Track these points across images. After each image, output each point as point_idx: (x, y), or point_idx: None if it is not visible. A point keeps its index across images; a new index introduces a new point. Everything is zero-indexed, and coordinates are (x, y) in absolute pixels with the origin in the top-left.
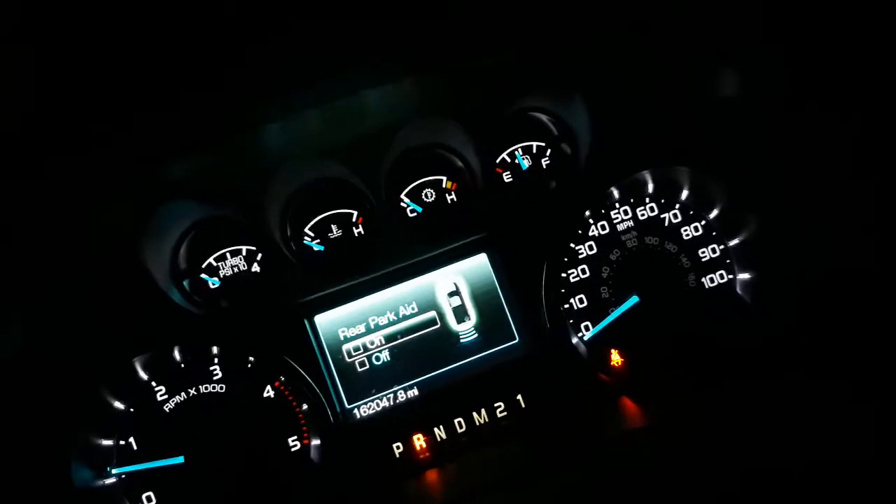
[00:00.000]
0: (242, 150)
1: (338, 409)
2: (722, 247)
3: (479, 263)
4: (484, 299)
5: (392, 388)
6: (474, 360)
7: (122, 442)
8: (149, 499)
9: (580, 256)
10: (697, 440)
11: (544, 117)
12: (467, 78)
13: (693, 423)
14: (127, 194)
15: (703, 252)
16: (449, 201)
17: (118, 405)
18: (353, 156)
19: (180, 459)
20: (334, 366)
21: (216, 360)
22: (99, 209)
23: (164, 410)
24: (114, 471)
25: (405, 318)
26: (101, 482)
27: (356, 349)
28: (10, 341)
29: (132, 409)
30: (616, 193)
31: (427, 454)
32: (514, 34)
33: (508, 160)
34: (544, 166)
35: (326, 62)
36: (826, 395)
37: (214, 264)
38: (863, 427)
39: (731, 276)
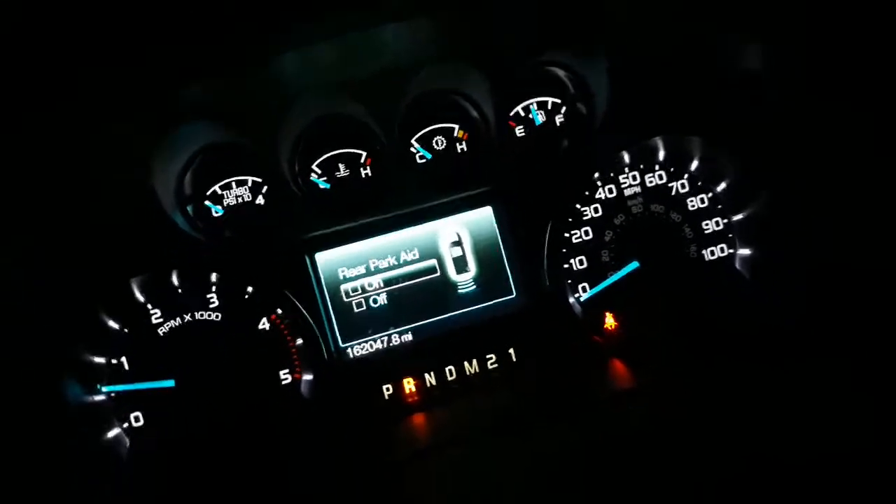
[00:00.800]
0: (259, 78)
1: (332, 347)
2: (726, 220)
3: (483, 216)
4: (485, 252)
5: (387, 330)
6: (470, 310)
7: (113, 361)
8: (136, 419)
9: (584, 218)
10: (682, 406)
11: (562, 73)
12: (489, 23)
13: (679, 389)
14: (143, 114)
15: (707, 224)
16: (459, 150)
17: (113, 324)
18: (369, 93)
19: (171, 383)
20: (331, 304)
21: (214, 289)
22: (113, 126)
23: (158, 333)
24: (104, 389)
25: (405, 263)
26: (90, 399)
27: (354, 290)
28: (10, 255)
29: (126, 330)
30: (626, 158)
31: (416, 398)
32: None
33: (522, 114)
34: (558, 124)
35: None
36: (817, 371)
37: (219, 192)
38: (851, 408)
39: (731, 251)
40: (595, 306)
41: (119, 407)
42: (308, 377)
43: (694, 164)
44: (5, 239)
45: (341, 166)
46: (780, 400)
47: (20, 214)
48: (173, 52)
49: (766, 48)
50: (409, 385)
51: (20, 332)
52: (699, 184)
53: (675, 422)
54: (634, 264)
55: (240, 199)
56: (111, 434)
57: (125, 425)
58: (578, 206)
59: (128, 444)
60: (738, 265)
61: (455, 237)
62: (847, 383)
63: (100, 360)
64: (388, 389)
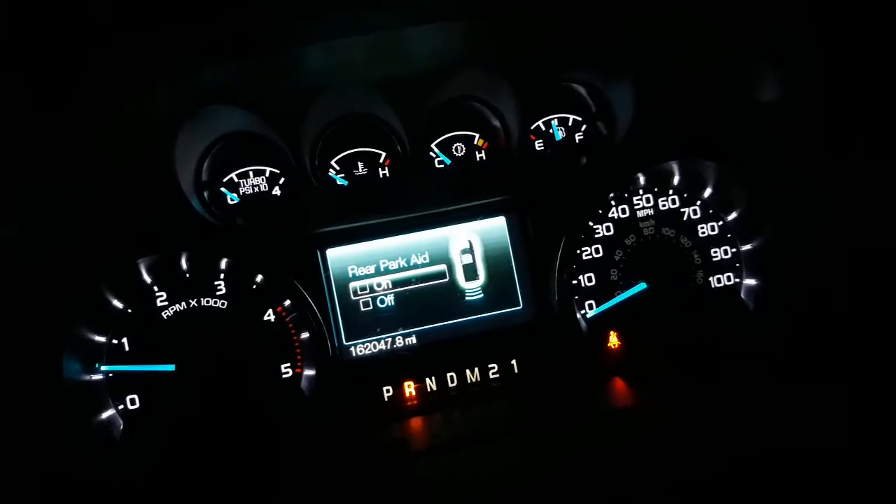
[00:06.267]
0: (288, 68)
1: (335, 344)
2: (734, 250)
3: (496, 225)
4: (495, 261)
5: (391, 332)
6: (476, 319)
7: (114, 341)
8: (132, 401)
9: (596, 236)
10: (678, 426)
11: (584, 92)
12: (520, 36)
13: (677, 410)
14: (168, 87)
15: (716, 252)
16: (478, 159)
17: (117, 304)
18: (395, 95)
19: (171, 367)
20: (338, 301)
21: (222, 276)
22: (137, 102)
23: (162, 317)
24: (102, 368)
25: (415, 266)
26: (87, 377)
27: (362, 289)
28: (20, 224)
29: (130, 310)
30: (642, 180)
31: (415, 402)
32: None
33: (543, 129)
34: (577, 141)
35: None
36: (812, 395)
37: (236, 180)
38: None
39: (737, 280)
40: (600, 324)
41: (115, 388)
42: (309, 372)
43: (707, 192)
44: (15, 206)
45: (360, 164)
46: (774, 423)
47: (32, 183)
48: (199, 28)
49: (786, 80)
50: (409, 388)
51: (23, 302)
52: (711, 211)
53: (672, 440)
54: (642, 285)
55: (256, 189)
56: (105, 415)
57: (120, 407)
58: (591, 223)
59: (121, 426)
60: (742, 295)
61: (466, 244)
62: (845, 408)
63: (100, 338)
64: (387, 391)
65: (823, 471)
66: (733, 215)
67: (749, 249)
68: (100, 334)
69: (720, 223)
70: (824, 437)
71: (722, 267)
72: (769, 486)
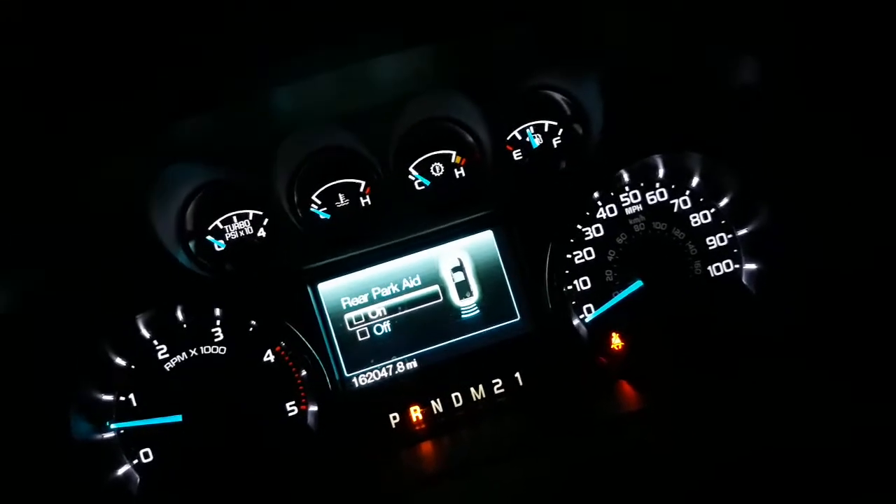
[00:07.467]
0: (253, 113)
1: (336, 378)
2: (730, 236)
3: (484, 240)
4: (487, 276)
5: (391, 359)
6: (474, 335)
7: (121, 398)
8: (146, 455)
9: (586, 238)
10: (688, 427)
11: (557, 96)
12: (481, 52)
13: (686, 410)
14: (138, 151)
15: (711, 240)
16: (457, 176)
17: (119, 361)
18: (363, 125)
19: (178, 418)
20: (335, 334)
21: (218, 323)
22: (109, 165)
23: (165, 369)
24: (112, 426)
25: (408, 290)
26: (99, 436)
27: (358, 319)
28: (14, 293)
29: (133, 366)
30: (626, 177)
31: (423, 426)
32: (531, 7)
33: (519, 137)
34: (555, 146)
35: (336, 27)
36: (822, 388)
37: (221, 227)
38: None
39: (737, 266)
40: (601, 327)
41: (128, 444)
42: (314, 408)
43: (695, 181)
44: (10, 277)
45: (341, 196)
46: (786, 418)
47: (24, 253)
48: (164, 90)
49: (760, 62)
50: (415, 413)
51: (26, 369)
52: (701, 200)
53: (683, 442)
54: (638, 283)
55: (241, 233)
56: (121, 471)
57: (135, 462)
58: (580, 226)
59: (138, 480)
60: (744, 280)
61: (457, 262)
62: (854, 404)
63: (108, 397)
64: (394, 418)
65: (833, 474)
66: (725, 201)
67: (746, 234)
68: (107, 393)
69: (712, 210)
70: (833, 439)
71: (719, 254)
72: (782, 492)
